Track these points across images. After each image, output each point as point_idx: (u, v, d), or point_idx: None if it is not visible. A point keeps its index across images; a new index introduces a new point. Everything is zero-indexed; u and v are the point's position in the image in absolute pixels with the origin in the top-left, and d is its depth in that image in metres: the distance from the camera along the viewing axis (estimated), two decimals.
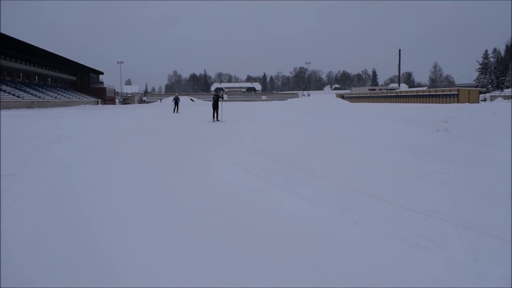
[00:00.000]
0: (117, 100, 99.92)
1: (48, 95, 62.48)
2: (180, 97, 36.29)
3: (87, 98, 77.89)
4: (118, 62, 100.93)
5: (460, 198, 5.70)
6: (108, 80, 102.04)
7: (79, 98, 73.80)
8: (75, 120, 23.45)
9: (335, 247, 3.93)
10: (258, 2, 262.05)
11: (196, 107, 44.94)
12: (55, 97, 63.33)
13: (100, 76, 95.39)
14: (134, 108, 47.79)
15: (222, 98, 21.62)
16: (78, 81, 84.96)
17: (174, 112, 33.67)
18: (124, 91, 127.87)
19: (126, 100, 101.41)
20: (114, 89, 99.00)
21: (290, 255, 3.74)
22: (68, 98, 69.01)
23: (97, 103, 78.23)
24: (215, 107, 21.23)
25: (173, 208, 5.30)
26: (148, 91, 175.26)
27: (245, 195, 5.91)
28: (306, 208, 5.25)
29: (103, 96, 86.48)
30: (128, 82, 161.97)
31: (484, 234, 4.20)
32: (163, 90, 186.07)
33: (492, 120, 19.60)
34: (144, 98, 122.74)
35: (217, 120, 20.98)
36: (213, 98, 21.64)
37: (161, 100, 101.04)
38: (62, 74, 78.84)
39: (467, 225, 4.49)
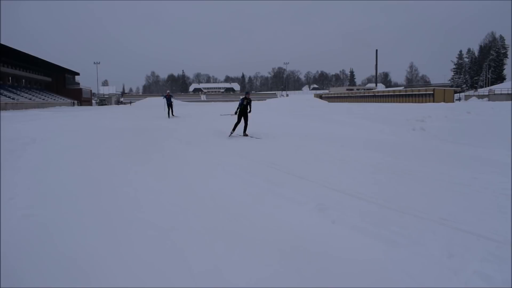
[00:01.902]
0: (93, 101, 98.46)
1: (22, 96, 61.07)
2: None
3: (63, 100, 76.41)
4: (94, 63, 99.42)
5: (436, 195, 5.81)
6: (84, 81, 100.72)
7: (54, 100, 72.32)
8: (50, 122, 22.97)
9: (312, 246, 3.95)
10: (237, 2, 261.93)
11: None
12: (30, 99, 61.99)
13: (76, 77, 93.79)
14: (112, 111, 47.07)
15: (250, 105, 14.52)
16: (54, 82, 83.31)
17: (168, 116, 25.62)
18: (101, 92, 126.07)
19: (103, 101, 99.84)
20: (91, 90, 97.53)
21: (267, 255, 3.74)
22: (44, 99, 67.53)
23: (73, 104, 76.82)
24: (244, 116, 14.37)
25: (152, 211, 5.26)
26: (126, 92, 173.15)
27: (225, 197, 5.90)
28: (285, 207, 5.26)
29: (80, 97, 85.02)
30: (105, 83, 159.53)
31: (458, 230, 4.29)
32: (140, 90, 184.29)
33: (466, 119, 20.05)
34: (122, 99, 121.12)
35: (246, 134, 14.15)
36: (241, 103, 14.25)
37: (131, 103, 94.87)
38: (37, 75, 77.23)
39: (442, 222, 4.57)
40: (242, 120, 14.28)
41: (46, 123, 21.28)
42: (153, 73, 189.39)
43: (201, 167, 8.19)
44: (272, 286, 3.18)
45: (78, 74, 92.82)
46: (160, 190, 6.31)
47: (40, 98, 67.86)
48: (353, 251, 3.80)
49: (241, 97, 14.45)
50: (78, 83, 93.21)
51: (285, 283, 3.22)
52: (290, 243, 4.03)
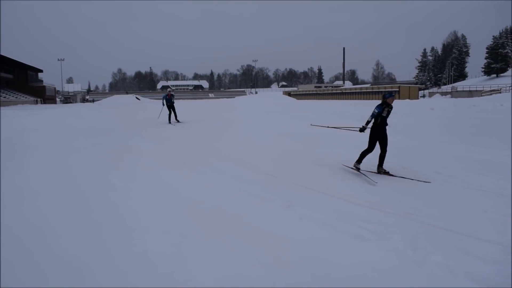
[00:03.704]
0: (58, 99, 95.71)
1: None
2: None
3: (26, 98, 73.72)
4: (58, 60, 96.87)
5: (401, 190, 5.94)
6: (48, 79, 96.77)
7: (16, 98, 69.74)
8: (13, 121, 22.13)
9: (279, 242, 3.95)
10: (204, 1, 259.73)
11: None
12: None
13: (40, 74, 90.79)
14: (78, 109, 45.86)
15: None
16: (15, 79, 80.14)
17: (170, 121, 19.81)
18: (66, 89, 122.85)
19: (68, 99, 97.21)
20: (55, 88, 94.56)
21: (235, 252, 3.71)
22: (4, 97, 65.16)
23: (36, 102, 74.40)
24: (382, 137, 7.64)
25: (106, 208, 5.15)
26: (92, 89, 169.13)
27: (191, 193, 5.84)
28: (252, 204, 5.25)
29: (43, 95, 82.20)
30: (70, 81, 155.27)
31: (422, 223, 4.40)
32: (107, 88, 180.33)
33: (430, 115, 20.59)
34: (87, 97, 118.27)
35: (383, 169, 7.35)
36: (379, 113, 7.37)
37: (93, 101, 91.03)
38: None
39: (407, 216, 4.67)
40: (378, 144, 7.57)
41: (8, 122, 20.49)
42: (119, 70, 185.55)
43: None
44: (239, 286, 3.15)
45: (41, 71, 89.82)
46: (124, 186, 6.20)
47: (0, 96, 65.43)
48: (320, 247, 3.82)
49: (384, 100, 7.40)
50: (42, 80, 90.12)
51: (253, 281, 3.20)
52: (257, 240, 4.03)
